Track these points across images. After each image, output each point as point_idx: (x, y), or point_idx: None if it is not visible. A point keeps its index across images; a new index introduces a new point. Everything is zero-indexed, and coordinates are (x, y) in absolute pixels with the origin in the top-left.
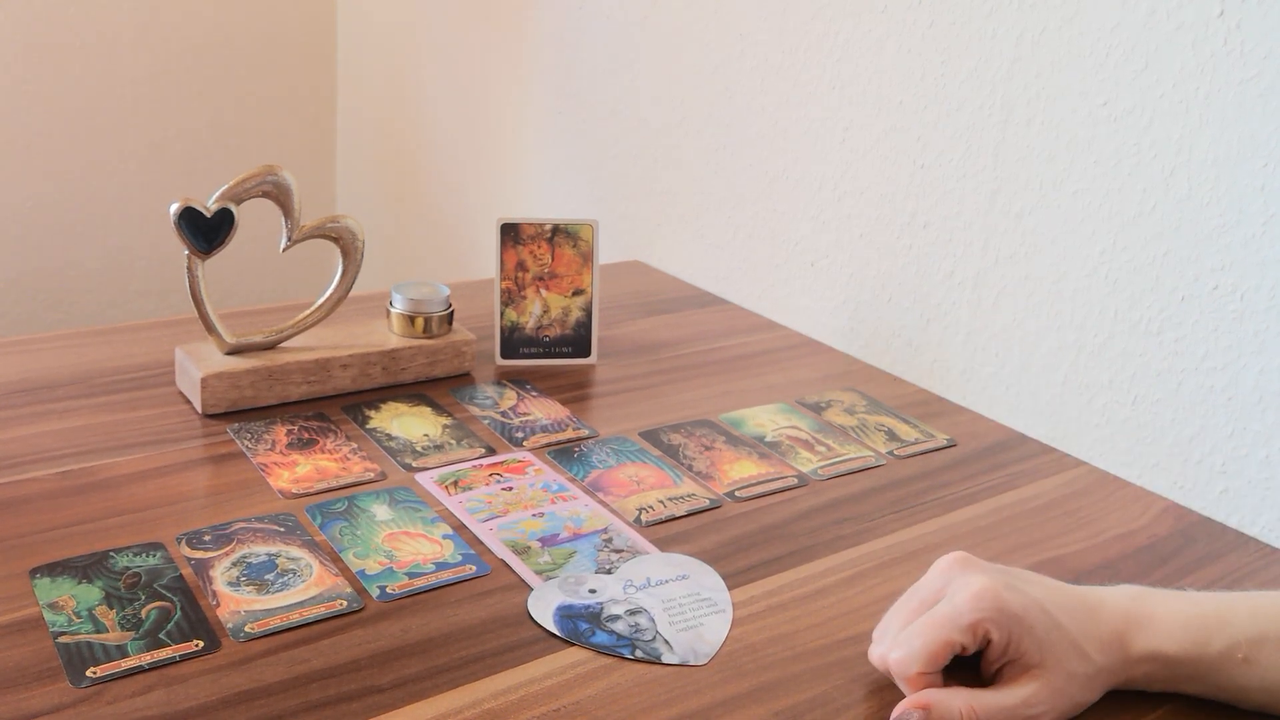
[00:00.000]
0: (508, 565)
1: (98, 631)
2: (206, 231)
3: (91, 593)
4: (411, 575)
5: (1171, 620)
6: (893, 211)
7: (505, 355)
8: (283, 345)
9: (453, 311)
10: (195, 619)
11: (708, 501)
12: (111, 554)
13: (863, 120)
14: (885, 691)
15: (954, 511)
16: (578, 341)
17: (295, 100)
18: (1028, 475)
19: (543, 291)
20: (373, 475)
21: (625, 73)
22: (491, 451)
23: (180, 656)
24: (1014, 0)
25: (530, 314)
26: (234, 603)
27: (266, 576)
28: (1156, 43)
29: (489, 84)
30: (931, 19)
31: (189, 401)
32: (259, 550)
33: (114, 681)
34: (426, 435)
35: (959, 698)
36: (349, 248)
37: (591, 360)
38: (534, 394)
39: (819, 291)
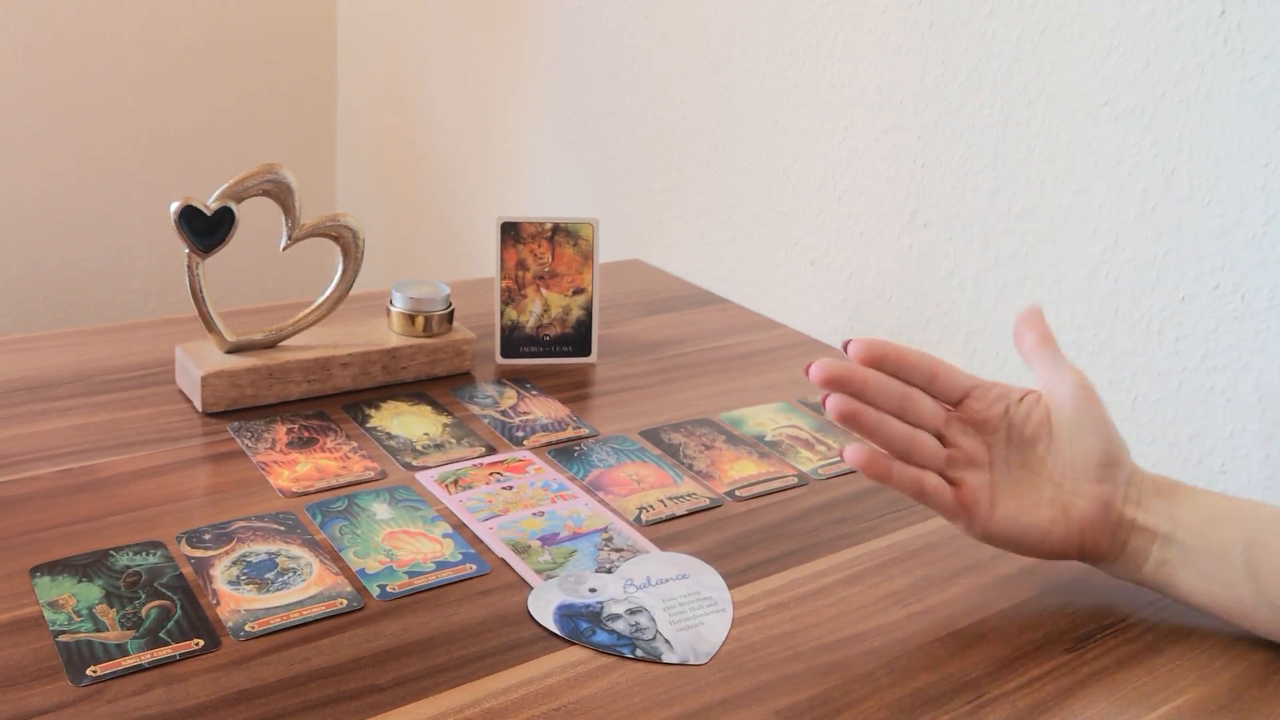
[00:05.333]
0: (508, 564)
1: (98, 630)
2: (207, 230)
3: (91, 591)
4: (411, 574)
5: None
6: (893, 211)
7: (505, 354)
8: (283, 344)
9: (453, 310)
10: (195, 618)
11: (708, 501)
12: (111, 553)
13: (863, 120)
14: (885, 691)
15: None
16: (578, 340)
17: (295, 99)
18: None
19: (543, 290)
20: (373, 474)
21: (625, 73)
22: (492, 450)
23: (180, 655)
24: (1014, 0)
25: (530, 313)
26: (234, 601)
27: (266, 575)
28: (1156, 43)
29: (489, 84)
30: (931, 19)
31: (189, 400)
32: (259, 549)
33: (114, 680)
34: (427, 434)
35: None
36: (349, 247)
37: (591, 359)
38: (534, 393)
39: (819, 291)
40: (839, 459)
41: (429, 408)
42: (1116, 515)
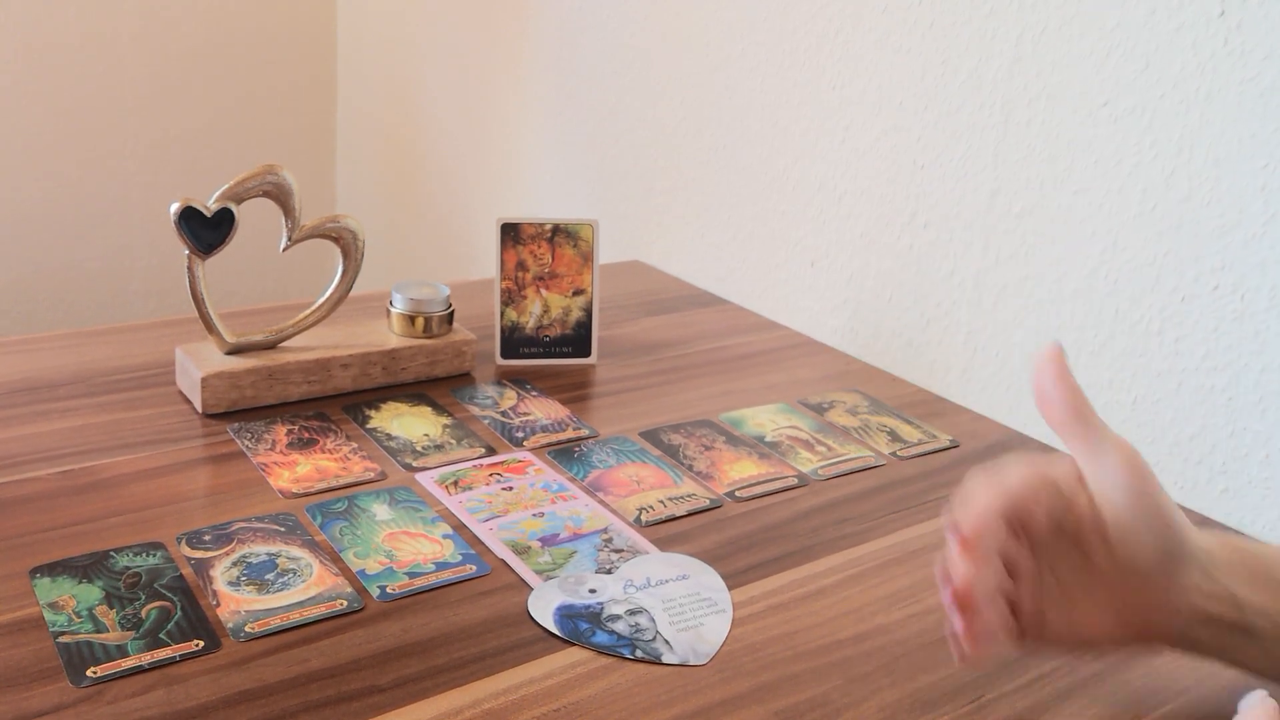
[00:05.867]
0: (508, 565)
1: (98, 631)
2: (207, 231)
3: (92, 592)
4: (411, 575)
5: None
6: (893, 211)
7: (505, 355)
8: (283, 345)
9: (453, 311)
10: (195, 619)
11: (708, 501)
12: (112, 554)
13: (863, 120)
14: (885, 691)
15: None
16: (578, 341)
17: (295, 100)
18: None
19: (543, 291)
20: (373, 475)
21: (625, 73)
22: (492, 451)
23: (180, 656)
24: (1014, 0)
25: (530, 314)
26: (234, 602)
27: (267, 576)
28: (1156, 43)
29: (489, 84)
30: (931, 19)
31: (189, 401)
32: (259, 550)
33: (114, 681)
34: (427, 435)
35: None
36: (349, 248)
37: (591, 360)
38: (534, 394)
39: (819, 291)
40: (838, 459)
41: (429, 409)
42: (1184, 616)
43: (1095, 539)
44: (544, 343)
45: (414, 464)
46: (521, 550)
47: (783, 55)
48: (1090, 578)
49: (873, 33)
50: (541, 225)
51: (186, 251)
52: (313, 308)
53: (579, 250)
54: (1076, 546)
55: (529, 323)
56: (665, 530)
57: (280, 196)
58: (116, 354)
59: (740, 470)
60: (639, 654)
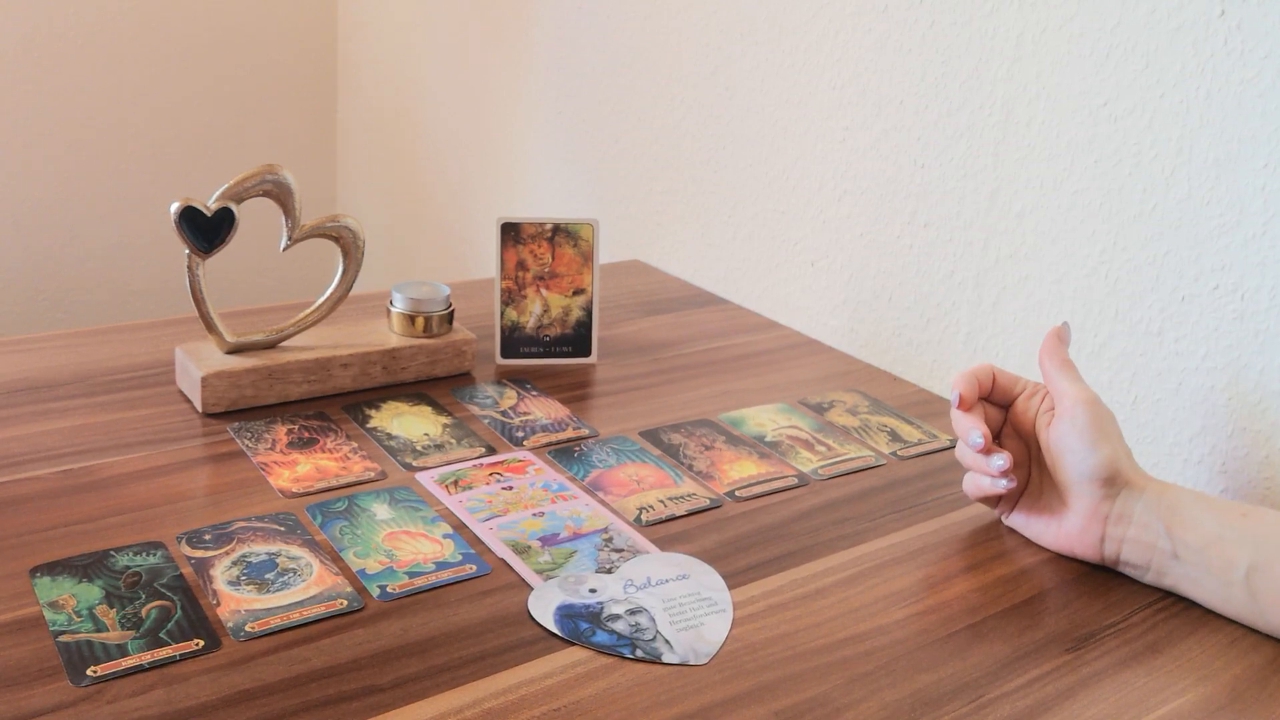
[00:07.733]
0: (508, 565)
1: (98, 630)
2: (207, 231)
3: (92, 592)
4: (412, 575)
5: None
6: (893, 211)
7: (505, 355)
8: (283, 344)
9: (453, 311)
10: (195, 618)
11: (708, 501)
12: (112, 553)
13: (863, 120)
14: (885, 691)
15: (954, 511)
16: (578, 341)
17: (295, 100)
18: None
19: (543, 291)
20: (373, 474)
21: (625, 73)
22: (492, 451)
23: (180, 655)
24: (1014, 0)
25: (530, 313)
26: (234, 602)
27: (267, 575)
28: (1156, 43)
29: (489, 84)
30: (931, 19)
31: (189, 401)
32: (259, 549)
33: (114, 680)
34: (427, 434)
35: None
36: (349, 247)
37: (591, 360)
38: (534, 393)
39: (819, 291)
40: (838, 459)
41: (429, 408)
42: (1100, 531)
43: (1049, 451)
44: (544, 342)
45: (414, 463)
46: (521, 550)
47: (783, 55)
48: (1051, 482)
49: (873, 33)
50: (542, 225)
51: (186, 251)
52: (313, 307)
53: (579, 250)
54: (1045, 454)
55: (529, 322)
56: (665, 530)
57: (280, 196)
58: (116, 354)
59: (740, 470)
60: (639, 654)
